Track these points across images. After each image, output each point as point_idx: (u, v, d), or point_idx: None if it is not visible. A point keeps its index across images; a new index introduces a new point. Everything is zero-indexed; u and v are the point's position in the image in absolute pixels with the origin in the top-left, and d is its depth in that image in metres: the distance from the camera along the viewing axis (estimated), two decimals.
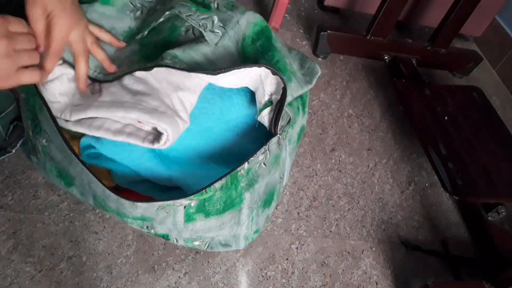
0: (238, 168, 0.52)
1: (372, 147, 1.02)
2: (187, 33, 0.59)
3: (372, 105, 1.12)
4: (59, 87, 0.55)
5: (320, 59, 1.20)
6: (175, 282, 0.68)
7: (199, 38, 0.58)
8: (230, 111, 0.64)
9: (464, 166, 0.85)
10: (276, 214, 0.82)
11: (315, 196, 0.88)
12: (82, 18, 0.53)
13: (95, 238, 0.70)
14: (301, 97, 0.64)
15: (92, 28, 0.56)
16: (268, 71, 0.54)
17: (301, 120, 0.65)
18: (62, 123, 0.55)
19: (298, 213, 0.84)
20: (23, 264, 0.64)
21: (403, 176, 0.98)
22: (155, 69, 0.55)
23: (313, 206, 0.86)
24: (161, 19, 0.58)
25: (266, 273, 0.74)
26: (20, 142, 0.72)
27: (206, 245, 0.61)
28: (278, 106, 0.55)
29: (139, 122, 0.54)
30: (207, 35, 0.57)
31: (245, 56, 0.60)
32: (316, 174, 0.92)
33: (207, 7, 0.61)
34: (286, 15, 1.31)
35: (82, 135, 0.58)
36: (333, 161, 0.96)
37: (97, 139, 0.57)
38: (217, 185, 0.51)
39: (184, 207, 0.51)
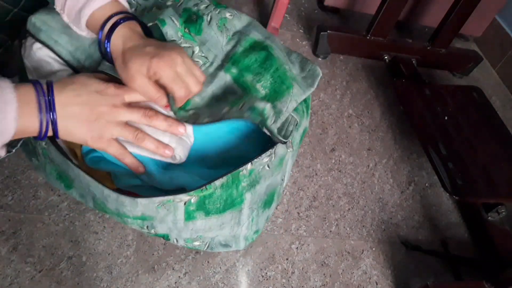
0: (240, 168, 0.52)
1: (372, 147, 1.02)
2: None
3: (372, 105, 1.12)
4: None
5: (320, 59, 1.20)
6: (175, 282, 0.68)
7: None
8: None
9: (464, 166, 0.85)
10: (276, 214, 0.82)
11: (315, 196, 0.88)
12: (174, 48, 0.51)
13: (95, 238, 0.70)
14: (304, 100, 0.64)
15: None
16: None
17: (305, 122, 0.66)
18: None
19: (298, 213, 0.84)
20: (23, 264, 0.64)
21: (403, 176, 0.98)
22: None
23: (313, 206, 0.86)
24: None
25: (266, 273, 0.74)
26: (21, 142, 0.72)
27: (206, 246, 0.61)
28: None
29: None
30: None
31: (239, 72, 0.60)
32: (316, 174, 0.92)
33: (195, 24, 0.59)
34: (286, 15, 1.31)
35: None
36: (333, 161, 0.96)
37: None
38: (218, 182, 0.51)
39: (184, 203, 0.51)
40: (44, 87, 0.44)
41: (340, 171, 0.94)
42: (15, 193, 0.71)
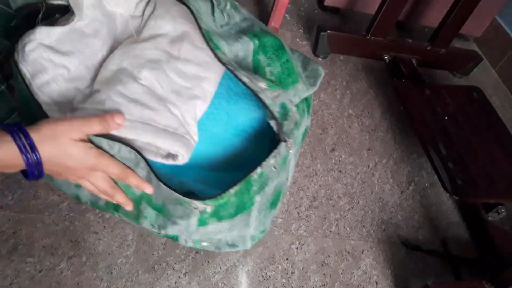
0: (252, 173, 0.52)
1: (372, 147, 1.02)
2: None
3: (372, 105, 1.12)
4: (56, 88, 0.55)
5: (320, 59, 1.20)
6: (175, 282, 0.68)
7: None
8: (237, 116, 0.63)
9: (464, 166, 0.85)
10: None
11: (315, 196, 0.88)
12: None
13: (95, 238, 0.70)
14: (306, 99, 0.64)
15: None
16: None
17: (306, 121, 0.66)
18: None
19: (298, 213, 0.84)
20: (23, 264, 0.64)
21: (403, 176, 0.98)
22: (162, 76, 0.55)
23: (313, 206, 0.86)
24: None
25: (266, 273, 0.74)
26: None
27: (214, 246, 0.61)
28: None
29: None
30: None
31: (259, 46, 0.59)
32: (316, 174, 0.92)
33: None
34: (286, 15, 1.31)
35: None
36: (333, 161, 0.96)
37: None
38: (232, 190, 0.51)
39: (201, 212, 0.51)
40: (17, 131, 0.43)
41: (340, 171, 0.94)
42: (15, 193, 0.71)
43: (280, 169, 0.57)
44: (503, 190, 0.83)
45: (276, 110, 0.55)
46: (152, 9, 0.66)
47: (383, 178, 0.96)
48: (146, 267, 0.69)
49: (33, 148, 0.43)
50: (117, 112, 0.51)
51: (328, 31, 1.14)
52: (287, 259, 0.76)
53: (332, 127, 1.03)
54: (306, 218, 0.83)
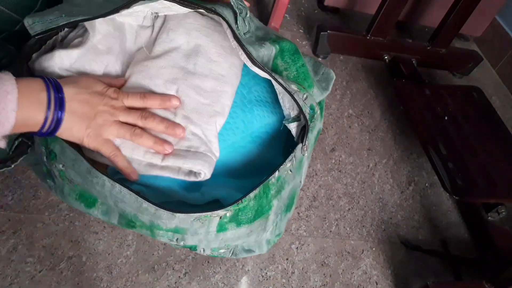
0: (270, 177, 0.52)
1: (372, 147, 1.02)
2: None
3: (372, 105, 1.12)
4: None
5: (320, 59, 1.20)
6: (175, 282, 0.68)
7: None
8: (252, 123, 0.64)
9: (464, 166, 0.85)
10: None
11: (315, 196, 0.88)
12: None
13: (95, 238, 0.70)
14: (319, 102, 0.65)
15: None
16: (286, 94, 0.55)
17: (319, 124, 0.66)
18: (86, 152, 0.54)
19: (298, 213, 0.84)
20: (23, 264, 0.64)
21: (403, 176, 0.98)
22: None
23: (313, 206, 0.86)
24: None
25: (266, 273, 0.74)
26: (22, 158, 0.71)
27: (231, 252, 0.61)
28: (302, 130, 0.56)
29: None
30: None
31: (279, 51, 0.60)
32: (316, 174, 0.92)
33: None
34: (286, 15, 1.31)
35: None
36: (333, 161, 0.96)
37: None
38: (252, 195, 0.51)
39: (220, 218, 0.51)
40: (54, 84, 0.44)
41: (340, 171, 0.94)
42: (15, 193, 0.71)
43: (296, 172, 0.58)
44: (503, 190, 0.83)
45: (307, 111, 0.55)
46: (162, 21, 0.65)
47: (383, 178, 0.96)
48: (146, 267, 0.69)
49: (61, 104, 0.44)
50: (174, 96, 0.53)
51: (328, 31, 1.14)
52: (287, 259, 0.76)
53: (332, 127, 1.03)
54: (306, 218, 0.83)
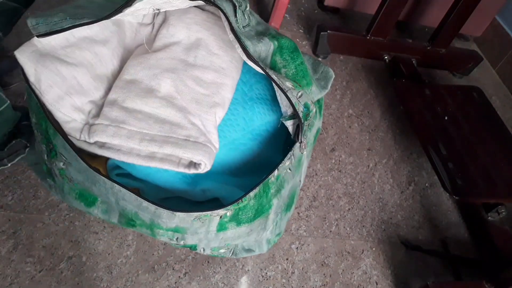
0: (269, 176, 0.52)
1: (372, 147, 1.02)
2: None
3: (372, 105, 1.12)
4: (71, 101, 0.54)
5: (320, 59, 1.20)
6: (175, 282, 0.68)
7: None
8: (253, 121, 0.64)
9: (464, 166, 0.85)
10: None
11: (315, 196, 0.88)
12: None
13: (95, 238, 0.70)
14: (318, 100, 0.65)
15: None
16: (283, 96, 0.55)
17: (318, 123, 0.66)
18: (83, 145, 0.53)
19: (298, 213, 0.84)
20: (23, 264, 0.64)
21: (403, 176, 0.98)
22: (181, 86, 0.55)
23: (313, 206, 0.86)
24: None
25: (266, 273, 0.74)
26: (19, 158, 0.71)
27: (231, 252, 0.61)
28: (298, 128, 0.56)
29: None
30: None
31: (277, 48, 0.60)
32: (316, 174, 0.92)
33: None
34: (286, 15, 1.31)
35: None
36: (333, 161, 0.96)
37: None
38: (252, 194, 0.51)
39: (220, 217, 0.51)
40: None
41: (340, 171, 0.94)
42: (15, 193, 0.71)
43: (295, 171, 0.58)
44: (503, 190, 0.83)
45: (300, 109, 0.55)
46: (163, 17, 0.65)
47: (383, 178, 0.96)
48: (146, 267, 0.69)
49: None
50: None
51: (328, 31, 1.14)
52: (287, 259, 0.76)
53: (332, 127, 1.03)
54: (306, 218, 0.83)
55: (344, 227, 0.84)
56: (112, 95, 0.56)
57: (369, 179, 0.95)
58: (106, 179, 0.49)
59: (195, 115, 0.56)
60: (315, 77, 0.67)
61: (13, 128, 0.67)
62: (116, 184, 0.49)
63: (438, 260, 0.84)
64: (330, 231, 0.83)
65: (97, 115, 0.55)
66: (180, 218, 0.50)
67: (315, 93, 0.61)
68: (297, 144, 0.56)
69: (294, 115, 0.56)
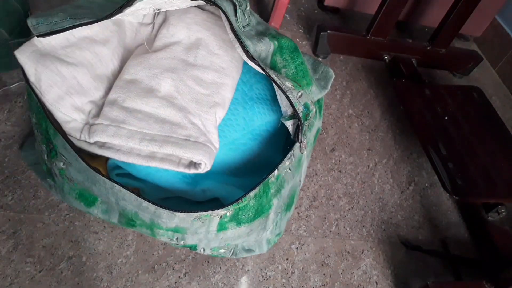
0: (269, 176, 0.52)
1: (372, 147, 1.02)
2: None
3: (372, 105, 1.12)
4: (71, 101, 0.54)
5: (320, 59, 1.20)
6: (175, 282, 0.68)
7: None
8: (253, 120, 0.64)
9: (464, 166, 0.85)
10: None
11: (315, 196, 0.88)
12: None
13: (95, 238, 0.70)
14: (318, 100, 0.65)
15: None
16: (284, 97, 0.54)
17: (318, 123, 0.66)
18: (83, 145, 0.53)
19: (298, 213, 0.84)
20: (23, 264, 0.64)
21: (403, 176, 0.98)
22: (181, 86, 0.55)
23: (313, 206, 0.86)
24: None
25: (266, 273, 0.74)
26: None
27: (231, 252, 0.61)
28: (297, 128, 0.56)
29: None
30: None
31: (277, 48, 0.60)
32: (316, 174, 0.92)
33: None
34: (286, 15, 1.31)
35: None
36: (333, 161, 0.96)
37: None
38: (252, 194, 0.51)
39: (220, 217, 0.51)
40: None
41: (340, 171, 0.94)
42: (15, 193, 0.71)
43: (295, 171, 0.58)
44: (503, 190, 0.83)
45: (300, 109, 0.55)
46: (163, 17, 0.65)
47: (383, 178, 0.96)
48: (146, 267, 0.69)
49: None
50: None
51: (328, 31, 1.14)
52: (287, 259, 0.76)
53: (332, 127, 1.03)
54: (306, 218, 0.83)
55: (344, 227, 0.84)
56: (112, 95, 0.56)
57: (369, 179, 0.95)
58: (106, 179, 0.49)
59: (195, 115, 0.56)
60: (315, 77, 0.67)
61: None
62: (116, 184, 0.49)
63: (438, 260, 0.84)
64: (330, 231, 0.83)
65: (97, 115, 0.55)
66: (180, 218, 0.50)
67: (315, 93, 0.61)
68: (297, 144, 0.56)
69: (294, 115, 0.56)
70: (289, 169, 0.56)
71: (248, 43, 0.52)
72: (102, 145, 0.53)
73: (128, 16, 0.59)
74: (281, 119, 0.58)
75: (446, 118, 0.96)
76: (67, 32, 0.52)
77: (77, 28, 0.52)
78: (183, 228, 0.51)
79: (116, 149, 0.53)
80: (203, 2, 0.52)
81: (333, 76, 0.68)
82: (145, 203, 0.48)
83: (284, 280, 0.74)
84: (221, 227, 0.52)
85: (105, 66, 0.59)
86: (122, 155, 0.52)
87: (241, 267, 0.73)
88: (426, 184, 0.98)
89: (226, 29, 0.53)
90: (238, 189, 0.57)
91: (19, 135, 0.78)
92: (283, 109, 0.58)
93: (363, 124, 1.06)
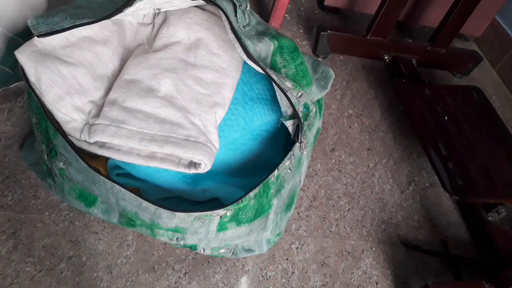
0: (269, 176, 0.52)
1: (372, 147, 1.02)
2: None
3: (372, 105, 1.12)
4: (71, 101, 0.54)
5: (320, 59, 1.20)
6: (175, 282, 0.68)
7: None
8: (253, 121, 0.64)
9: (464, 166, 0.85)
10: None
11: (315, 196, 0.88)
12: None
13: (95, 238, 0.70)
14: (318, 101, 0.65)
15: None
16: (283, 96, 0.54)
17: (318, 123, 0.66)
18: (83, 145, 0.53)
19: (298, 213, 0.84)
20: (23, 264, 0.64)
21: (403, 176, 0.98)
22: (181, 86, 0.55)
23: (313, 206, 0.86)
24: None
25: (266, 273, 0.74)
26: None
27: (231, 252, 0.61)
28: (297, 128, 0.56)
29: None
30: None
31: (277, 48, 0.59)
32: (316, 174, 0.92)
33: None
34: (286, 15, 1.31)
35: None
36: (333, 161, 0.96)
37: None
38: (252, 194, 0.51)
39: (220, 217, 0.51)
40: None
41: (340, 171, 0.94)
42: (15, 193, 0.71)
43: (295, 171, 0.58)
44: (503, 190, 0.83)
45: (300, 109, 0.55)
46: (163, 17, 0.65)
47: (383, 178, 0.96)
48: (146, 267, 0.69)
49: None
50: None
51: (328, 31, 1.14)
52: (287, 259, 0.76)
53: (332, 127, 1.03)
54: (306, 218, 0.83)
55: (344, 227, 0.84)
56: (112, 95, 0.56)
57: (369, 179, 0.95)
58: (106, 179, 0.49)
59: (195, 115, 0.56)
60: (315, 77, 0.67)
61: None
62: (116, 184, 0.49)
63: (438, 260, 0.84)
64: (330, 231, 0.83)
65: (97, 115, 0.55)
66: (180, 218, 0.50)
67: (315, 93, 0.61)
68: (297, 144, 0.56)
69: (294, 115, 0.56)
70: (289, 169, 0.56)
71: (248, 43, 0.52)
72: (102, 145, 0.53)
73: (128, 16, 0.59)
74: (281, 119, 0.58)
75: (446, 118, 0.96)
76: (67, 32, 0.52)
77: (77, 28, 0.52)
78: (183, 228, 0.51)
79: (116, 149, 0.53)
80: (203, 2, 0.52)
81: (333, 76, 0.69)
82: (145, 203, 0.49)
83: (284, 280, 0.74)
84: (221, 227, 0.52)
85: (105, 66, 0.59)
86: (122, 155, 0.52)
87: (241, 267, 0.73)
88: (426, 184, 0.98)
89: (226, 29, 0.53)
90: (238, 189, 0.57)
91: (19, 135, 0.78)
92: (283, 109, 0.58)
93: (363, 124, 1.06)
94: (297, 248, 0.78)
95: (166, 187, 0.58)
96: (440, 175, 0.82)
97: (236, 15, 0.53)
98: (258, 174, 0.55)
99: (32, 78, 0.52)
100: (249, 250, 0.62)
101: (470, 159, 0.87)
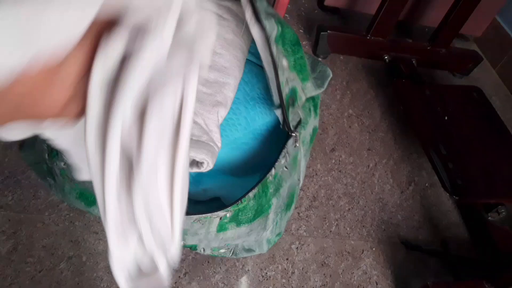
0: (267, 175, 0.52)
1: (372, 147, 1.02)
2: None
3: (372, 105, 1.12)
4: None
5: (320, 59, 1.20)
6: (175, 282, 0.68)
7: None
8: (255, 120, 0.64)
9: (464, 166, 0.85)
10: None
11: (315, 196, 0.88)
12: None
13: (95, 238, 0.70)
14: (312, 98, 0.64)
15: None
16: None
17: (313, 122, 0.65)
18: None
19: (298, 213, 0.84)
20: (23, 264, 0.64)
21: (403, 176, 0.98)
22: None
23: (313, 206, 0.86)
24: None
25: (266, 273, 0.74)
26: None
27: (231, 252, 0.61)
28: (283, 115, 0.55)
29: None
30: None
31: (280, 34, 0.59)
32: (316, 174, 0.92)
33: None
34: (286, 15, 1.31)
35: None
36: (333, 161, 0.96)
37: None
38: (251, 194, 0.51)
39: (220, 218, 0.51)
40: None
41: (340, 171, 0.94)
42: (15, 193, 0.71)
43: (291, 169, 0.57)
44: (503, 190, 0.83)
45: (286, 91, 0.53)
46: None
47: (383, 178, 0.96)
48: None
49: None
50: None
51: (328, 31, 1.14)
52: (287, 259, 0.76)
53: (332, 127, 1.03)
54: (306, 218, 0.83)
55: (344, 227, 0.84)
56: None
57: (369, 179, 0.95)
58: None
59: (197, 113, 0.56)
60: (313, 76, 0.67)
61: None
62: None
63: (438, 260, 0.84)
64: (330, 231, 0.83)
65: None
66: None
67: (309, 89, 0.60)
68: (290, 141, 0.55)
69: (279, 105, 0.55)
70: (285, 167, 0.56)
71: (259, 4, 0.51)
72: None
73: None
74: (272, 107, 0.57)
75: (446, 118, 0.96)
76: None
77: None
78: (183, 229, 0.51)
79: None
80: None
81: (331, 75, 0.68)
82: None
83: (284, 280, 0.74)
84: (221, 228, 0.52)
85: None
86: None
87: (241, 267, 0.73)
88: (426, 184, 0.98)
89: (227, 29, 0.53)
90: (239, 188, 0.57)
91: None
92: (274, 98, 0.57)
93: (363, 124, 1.06)
94: (297, 248, 0.78)
95: None
96: (440, 175, 0.82)
97: None
98: (259, 174, 0.55)
99: None
100: (249, 250, 0.62)
101: (470, 159, 0.87)
